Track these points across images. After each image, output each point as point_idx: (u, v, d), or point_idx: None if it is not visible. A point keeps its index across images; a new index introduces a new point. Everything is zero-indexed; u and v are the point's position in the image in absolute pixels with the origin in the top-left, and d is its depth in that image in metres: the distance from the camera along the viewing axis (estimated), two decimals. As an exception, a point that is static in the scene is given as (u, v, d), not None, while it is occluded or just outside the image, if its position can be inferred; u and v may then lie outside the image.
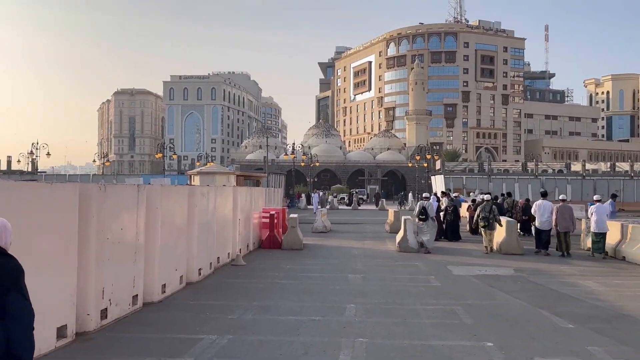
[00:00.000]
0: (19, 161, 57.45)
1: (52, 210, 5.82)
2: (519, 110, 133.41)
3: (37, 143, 52.96)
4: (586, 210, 34.03)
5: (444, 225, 19.63)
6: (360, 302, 8.65)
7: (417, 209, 16.28)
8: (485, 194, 22.12)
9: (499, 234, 16.20)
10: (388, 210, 26.55)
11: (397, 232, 21.80)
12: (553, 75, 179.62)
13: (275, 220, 17.07)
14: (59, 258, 5.95)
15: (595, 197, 16.25)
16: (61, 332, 6.03)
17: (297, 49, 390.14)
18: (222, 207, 12.40)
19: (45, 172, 55.22)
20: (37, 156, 53.10)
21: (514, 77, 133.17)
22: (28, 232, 5.42)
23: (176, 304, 8.47)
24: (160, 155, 51.26)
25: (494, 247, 16.06)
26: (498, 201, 21.16)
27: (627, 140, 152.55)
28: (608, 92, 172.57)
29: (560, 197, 16.50)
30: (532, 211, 16.77)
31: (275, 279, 10.99)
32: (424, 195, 18.11)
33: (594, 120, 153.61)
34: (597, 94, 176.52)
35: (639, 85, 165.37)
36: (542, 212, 15.80)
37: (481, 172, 53.41)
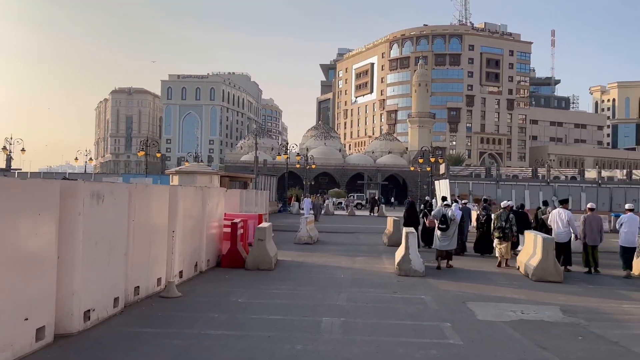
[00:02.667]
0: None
1: None
2: (524, 116, 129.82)
3: (11, 138, 49.25)
4: (609, 221, 30.57)
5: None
6: (328, 389, 4.90)
7: (435, 215, 14.08)
8: (484, 200, 19.37)
9: (532, 255, 12.49)
10: (387, 218, 22.66)
11: (396, 245, 18.13)
12: (558, 81, 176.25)
13: (241, 231, 13.29)
14: None
15: (627, 206, 14.10)
16: None
17: (299, 50, 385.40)
18: (146, 213, 8.66)
19: (20, 169, 51.44)
20: (10, 152, 49.31)
21: (519, 82, 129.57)
22: None
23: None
24: (142, 153, 47.48)
25: (522, 269, 12.77)
26: (523, 210, 17.62)
27: (634, 149, 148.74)
28: (614, 100, 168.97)
29: (589, 206, 14.47)
30: (549, 221, 14.53)
31: (208, 325, 7.18)
32: (444, 202, 15.12)
33: (600, 127, 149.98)
34: (603, 101, 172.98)
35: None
36: (561, 222, 13.88)
37: (488, 177, 49.58)
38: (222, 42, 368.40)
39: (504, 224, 14.16)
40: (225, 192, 14.95)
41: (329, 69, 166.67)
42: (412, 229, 13.15)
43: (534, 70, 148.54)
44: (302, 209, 36.56)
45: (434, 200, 41.31)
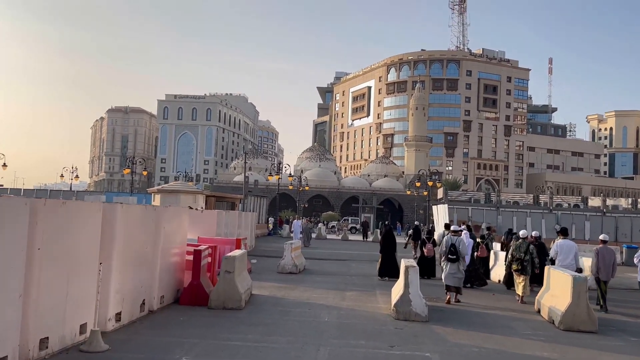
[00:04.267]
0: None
1: None
2: (521, 143, 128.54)
3: (-7, 152, 46.87)
4: (621, 253, 28.46)
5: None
6: None
7: (444, 247, 12.53)
8: (486, 228, 17.61)
9: (556, 296, 10.34)
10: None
11: (391, 277, 16.00)
12: (555, 109, 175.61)
13: (209, 259, 11.09)
14: None
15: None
16: None
17: (297, 73, 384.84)
18: (63, 239, 6.50)
19: (1, 185, 49.07)
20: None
21: (517, 108, 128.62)
22: None
23: None
24: (128, 171, 45.44)
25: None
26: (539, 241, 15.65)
27: (632, 178, 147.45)
28: (611, 129, 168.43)
29: (601, 238, 13.09)
30: (553, 252, 13.20)
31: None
32: (452, 227, 13.45)
33: (597, 156, 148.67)
34: (600, 130, 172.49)
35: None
36: (566, 254, 12.81)
37: (488, 203, 47.53)
38: (220, 64, 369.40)
39: (523, 255, 12.94)
40: (192, 213, 12.79)
41: (326, 92, 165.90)
42: (412, 262, 10.99)
43: (530, 98, 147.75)
44: (293, 232, 34.27)
45: (433, 226, 39.17)
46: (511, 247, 13.60)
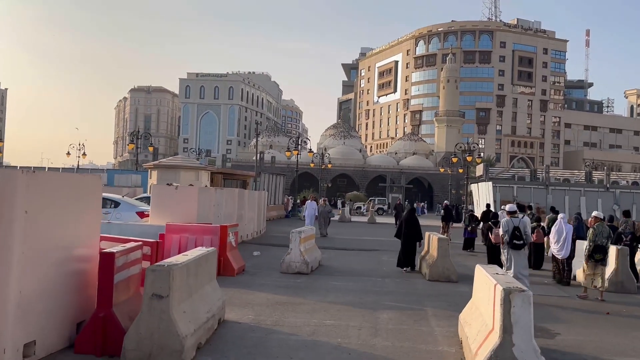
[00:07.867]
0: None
1: None
2: (558, 119, 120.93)
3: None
4: None
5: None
6: None
7: (506, 229, 10.84)
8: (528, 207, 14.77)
9: None
10: (427, 234, 14.75)
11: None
12: (591, 84, 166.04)
13: (131, 274, 6.35)
14: None
15: None
16: None
17: (321, 50, 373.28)
18: None
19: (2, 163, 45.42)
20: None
21: (554, 82, 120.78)
22: None
23: None
24: (132, 146, 41.24)
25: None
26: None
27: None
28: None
29: None
30: None
31: None
32: (507, 208, 11.59)
33: (636, 133, 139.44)
34: (639, 105, 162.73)
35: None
36: None
37: (534, 180, 42.06)
38: (242, 43, 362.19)
39: (605, 241, 10.91)
40: (158, 189, 8.03)
41: (351, 69, 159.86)
42: (511, 279, 6.06)
43: (565, 73, 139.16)
44: (304, 216, 28.30)
45: (496, 209, 34.04)
46: (590, 232, 11.21)
